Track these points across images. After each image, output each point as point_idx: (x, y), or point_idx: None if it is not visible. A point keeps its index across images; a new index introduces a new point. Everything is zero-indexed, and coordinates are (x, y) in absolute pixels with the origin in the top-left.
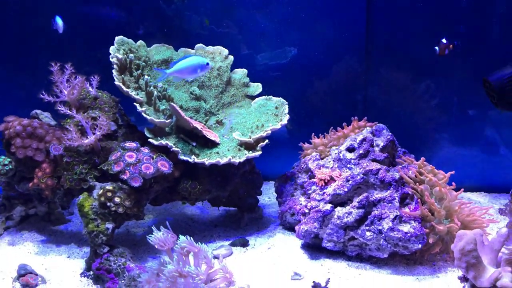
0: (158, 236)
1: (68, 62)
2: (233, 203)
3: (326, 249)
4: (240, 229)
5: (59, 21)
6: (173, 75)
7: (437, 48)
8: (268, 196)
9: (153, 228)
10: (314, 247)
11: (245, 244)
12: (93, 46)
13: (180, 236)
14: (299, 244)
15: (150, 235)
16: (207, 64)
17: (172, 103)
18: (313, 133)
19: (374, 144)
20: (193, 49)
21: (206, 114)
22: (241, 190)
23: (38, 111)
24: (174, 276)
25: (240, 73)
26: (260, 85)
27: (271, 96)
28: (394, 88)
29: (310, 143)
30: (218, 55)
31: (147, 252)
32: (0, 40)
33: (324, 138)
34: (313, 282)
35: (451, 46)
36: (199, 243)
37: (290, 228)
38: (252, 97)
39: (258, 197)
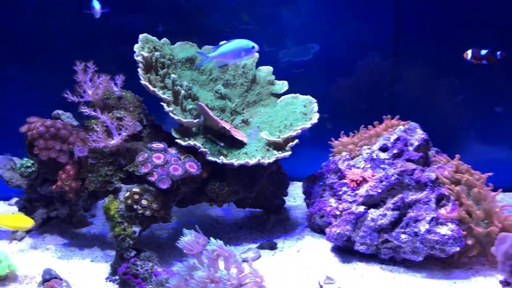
0: (186, 240)
1: (88, 60)
2: (259, 204)
3: (358, 252)
4: (266, 231)
5: (96, 5)
6: (216, 59)
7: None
8: (293, 197)
9: (184, 231)
10: (345, 250)
11: (273, 247)
12: (112, 44)
13: (211, 239)
14: (329, 247)
15: (181, 238)
16: (253, 47)
17: (200, 102)
18: (342, 132)
19: (408, 144)
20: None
21: (232, 113)
22: (267, 191)
23: (60, 112)
24: (205, 282)
25: (265, 71)
26: (286, 83)
27: (298, 94)
28: (422, 85)
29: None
30: None
31: (172, 255)
32: (18, 39)
33: (354, 136)
34: None
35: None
36: (228, 246)
37: (319, 230)
38: (278, 95)
39: (284, 198)
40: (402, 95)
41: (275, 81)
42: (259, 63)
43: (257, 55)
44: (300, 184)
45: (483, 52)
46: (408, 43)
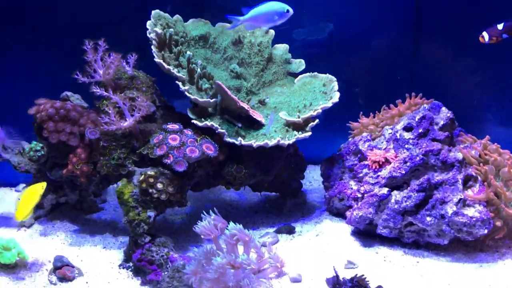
0: (204, 225)
1: (98, 39)
2: (275, 188)
3: (380, 236)
4: (283, 215)
5: None
6: (247, 22)
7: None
8: (308, 180)
9: (203, 214)
10: (365, 234)
11: (291, 231)
12: (119, 22)
13: (231, 223)
14: (349, 231)
15: (198, 222)
16: (287, 11)
17: (218, 81)
18: (360, 112)
19: (434, 123)
20: (231, 23)
21: (248, 94)
22: (284, 174)
23: (69, 93)
24: (225, 267)
25: (282, 49)
26: (302, 61)
27: (316, 73)
28: (442, 65)
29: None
30: (258, 30)
31: (187, 240)
32: (24, 19)
33: (374, 117)
34: None
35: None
36: (247, 230)
37: (338, 214)
38: (295, 75)
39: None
40: (422, 75)
41: (292, 59)
42: (274, 42)
43: (272, 32)
44: (314, 167)
45: (500, 26)
46: (430, 19)
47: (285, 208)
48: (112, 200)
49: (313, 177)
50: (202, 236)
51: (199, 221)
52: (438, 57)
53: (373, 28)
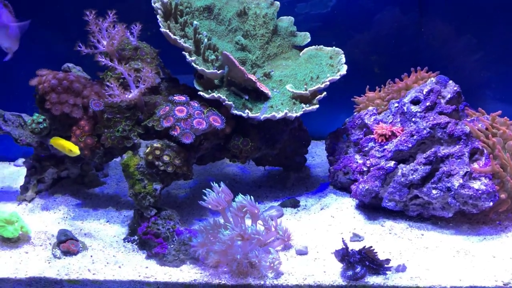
0: (212, 196)
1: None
2: (279, 162)
3: (384, 209)
4: (286, 189)
5: None
6: None
7: None
8: (311, 155)
9: (212, 184)
10: (370, 207)
11: (295, 204)
12: None
13: (239, 195)
14: (353, 204)
15: (207, 194)
16: None
17: (226, 52)
18: (367, 86)
19: (441, 96)
20: None
21: (252, 66)
22: (288, 148)
23: (70, 65)
24: (233, 239)
25: (287, 21)
26: (308, 34)
27: (322, 46)
28: (448, 40)
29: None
30: (263, 1)
31: (191, 214)
32: None
33: (380, 91)
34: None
35: None
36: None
37: (342, 188)
38: (300, 48)
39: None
40: (426, 49)
41: (297, 32)
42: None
43: (278, 3)
44: (317, 142)
45: None
46: None
47: (288, 182)
48: (115, 174)
49: (315, 152)
50: (210, 207)
51: (208, 190)
52: (443, 33)
53: (376, 2)
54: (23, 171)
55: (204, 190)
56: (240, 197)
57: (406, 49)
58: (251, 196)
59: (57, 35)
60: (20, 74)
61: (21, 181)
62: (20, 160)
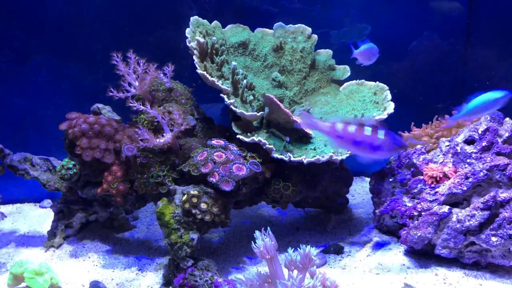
0: (263, 243)
1: (126, 50)
2: (319, 204)
3: (436, 256)
4: (326, 232)
5: None
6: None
7: None
8: (351, 194)
9: (256, 233)
10: (420, 254)
11: (339, 251)
12: (146, 30)
13: (302, 246)
14: (402, 250)
15: (256, 238)
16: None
17: (269, 94)
18: (412, 123)
19: (497, 135)
20: (270, 29)
21: (290, 104)
22: (329, 189)
23: (100, 105)
24: None
25: (325, 55)
26: (347, 67)
27: (363, 80)
28: (496, 69)
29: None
30: (300, 35)
31: (227, 261)
32: (47, 26)
33: (427, 128)
34: None
35: None
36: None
37: (388, 231)
38: (339, 82)
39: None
40: (473, 80)
41: (336, 65)
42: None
43: (315, 36)
44: (356, 178)
45: None
46: (481, 24)
47: (329, 225)
48: (145, 217)
49: (355, 190)
50: (258, 255)
51: (257, 234)
52: (490, 63)
53: (420, 31)
54: (50, 213)
55: (254, 234)
56: (290, 251)
57: (453, 80)
58: (310, 247)
59: (85, 69)
60: (47, 113)
61: (48, 225)
62: (46, 202)
